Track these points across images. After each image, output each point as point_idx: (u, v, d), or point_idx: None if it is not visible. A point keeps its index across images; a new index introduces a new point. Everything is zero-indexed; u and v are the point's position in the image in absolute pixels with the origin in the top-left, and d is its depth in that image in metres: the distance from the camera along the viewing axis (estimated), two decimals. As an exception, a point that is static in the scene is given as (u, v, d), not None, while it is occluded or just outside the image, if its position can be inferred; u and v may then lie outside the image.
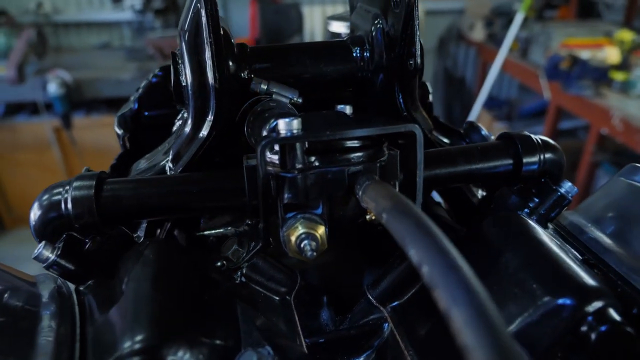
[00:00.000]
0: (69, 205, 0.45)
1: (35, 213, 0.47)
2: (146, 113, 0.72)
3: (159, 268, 0.42)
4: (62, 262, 0.45)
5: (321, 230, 0.42)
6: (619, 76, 2.81)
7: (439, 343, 0.43)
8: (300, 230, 0.42)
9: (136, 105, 0.71)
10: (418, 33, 0.52)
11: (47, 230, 0.47)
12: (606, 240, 0.48)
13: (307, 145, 0.42)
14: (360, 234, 0.60)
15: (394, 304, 0.49)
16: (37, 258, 0.45)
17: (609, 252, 0.46)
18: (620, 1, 3.80)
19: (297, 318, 0.49)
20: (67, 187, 0.46)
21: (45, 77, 3.11)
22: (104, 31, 4.28)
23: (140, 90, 0.71)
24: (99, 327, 0.39)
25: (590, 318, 0.36)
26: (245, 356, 0.37)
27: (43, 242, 0.45)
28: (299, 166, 0.41)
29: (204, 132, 0.52)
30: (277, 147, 0.42)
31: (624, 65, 2.89)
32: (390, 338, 0.48)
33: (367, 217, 0.45)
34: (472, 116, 3.67)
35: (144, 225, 0.56)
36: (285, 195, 0.42)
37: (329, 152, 0.42)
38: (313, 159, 0.42)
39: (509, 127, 3.71)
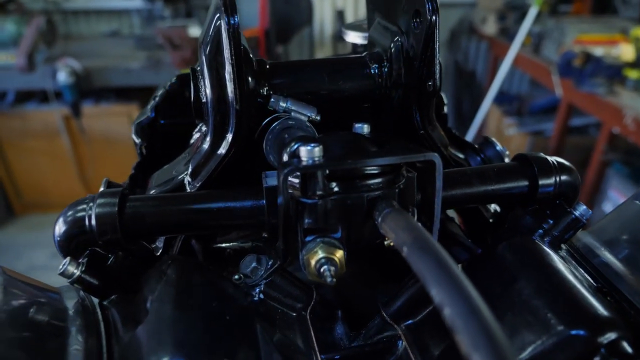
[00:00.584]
0: (93, 222, 0.47)
1: (60, 228, 0.48)
2: (162, 121, 0.73)
3: (180, 288, 0.43)
4: (87, 277, 0.47)
5: (340, 254, 0.43)
6: (633, 74, 2.77)
7: (452, 365, 0.44)
8: (320, 254, 0.43)
9: (153, 114, 0.72)
10: (438, 55, 0.52)
11: (71, 246, 0.48)
12: (619, 265, 0.48)
13: (327, 172, 0.43)
14: (374, 251, 0.61)
15: (408, 322, 0.50)
16: (63, 274, 0.46)
17: (621, 279, 0.47)
18: (637, -4, 3.73)
19: (312, 334, 0.50)
20: (91, 204, 0.47)
21: (55, 65, 3.12)
22: (113, 19, 4.28)
23: (156, 99, 0.72)
24: (125, 345, 0.41)
25: (603, 350, 0.37)
26: (265, 379, 0.38)
27: (68, 259, 0.46)
28: (319, 192, 0.42)
29: (223, 150, 0.53)
30: (297, 172, 0.43)
31: (638, 63, 2.85)
32: (404, 356, 0.49)
33: (386, 242, 0.46)
34: (482, 111, 3.64)
35: (160, 241, 0.58)
36: (306, 220, 0.43)
37: (348, 178, 0.43)
38: (333, 184, 0.43)
39: (518, 122, 3.68)
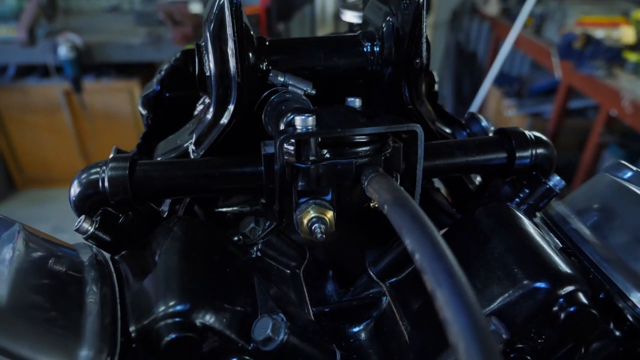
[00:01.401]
0: (106, 184, 0.51)
1: (74, 189, 0.53)
2: (167, 94, 0.77)
3: (186, 243, 0.48)
4: (100, 233, 0.51)
5: (330, 214, 0.48)
6: (632, 57, 2.78)
7: (429, 316, 0.49)
8: (312, 214, 0.47)
9: (158, 87, 0.75)
10: (425, 34, 0.55)
11: (85, 206, 0.53)
12: (586, 231, 0.53)
13: (319, 140, 0.47)
14: (363, 216, 0.66)
15: (392, 280, 0.55)
16: (79, 230, 0.51)
17: (586, 242, 0.51)
18: (641, -22, 3.69)
19: (305, 289, 0.55)
20: (104, 168, 0.52)
21: (55, 40, 3.12)
22: (114, -7, 4.25)
23: (162, 73, 0.76)
24: (136, 293, 0.45)
25: (561, 300, 0.42)
26: (262, 322, 0.43)
27: (83, 216, 0.51)
28: (312, 158, 0.46)
29: (225, 120, 0.57)
30: (292, 140, 0.47)
31: (638, 46, 2.86)
32: (387, 310, 0.54)
33: (372, 204, 0.50)
34: (482, 92, 3.65)
35: (168, 201, 0.62)
36: (299, 183, 0.47)
37: (339, 145, 0.47)
38: (325, 151, 0.47)
39: (518, 104, 3.70)
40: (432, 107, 0.71)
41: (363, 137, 0.48)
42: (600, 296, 0.46)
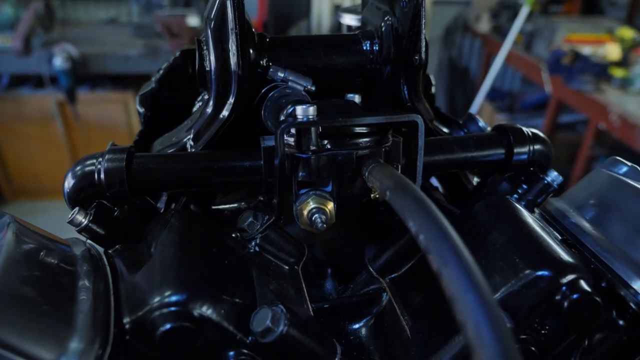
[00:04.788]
0: (102, 175, 0.50)
1: (69, 182, 0.52)
2: (165, 93, 0.76)
3: (183, 234, 0.47)
4: (93, 226, 0.50)
5: (330, 205, 0.48)
6: (618, 73, 2.84)
7: (430, 310, 0.49)
8: (312, 205, 0.47)
9: (157, 85, 0.75)
10: (424, 31, 0.56)
11: (79, 198, 0.52)
12: (585, 224, 0.53)
13: (320, 130, 0.47)
14: (362, 214, 0.65)
15: (392, 275, 0.55)
16: (72, 222, 0.50)
17: (586, 234, 0.51)
18: (626, -2, 3.80)
19: (304, 286, 0.54)
20: (100, 159, 0.51)
21: (51, 50, 3.12)
22: (111, 6, 4.27)
23: (161, 71, 0.76)
24: (131, 285, 0.44)
25: (564, 288, 0.42)
26: (261, 313, 0.42)
27: (77, 208, 0.50)
28: (312, 148, 0.46)
29: (225, 113, 0.57)
30: (293, 131, 0.47)
31: (623, 62, 2.92)
32: (387, 306, 0.54)
33: (372, 195, 0.50)
34: (475, 107, 3.70)
35: (164, 198, 0.62)
36: (300, 174, 0.47)
37: (339, 136, 0.47)
38: (325, 142, 0.47)
39: (510, 119, 3.75)
40: (430, 108, 0.72)
41: (363, 128, 0.48)
42: (602, 285, 0.46)
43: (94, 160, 0.51)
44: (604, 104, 2.65)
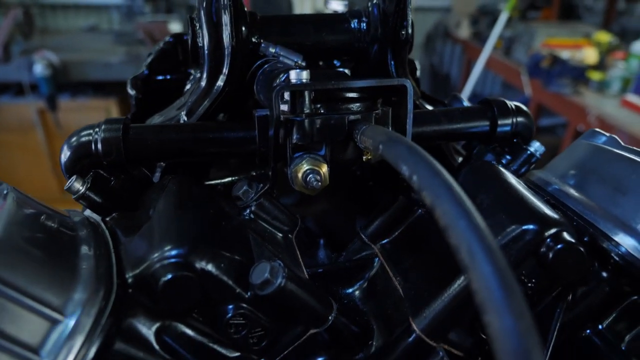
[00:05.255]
0: (99, 145, 0.51)
1: (65, 153, 0.53)
2: (156, 77, 0.77)
3: (181, 196, 0.48)
4: (91, 194, 0.51)
5: (324, 168, 0.49)
6: (595, 76, 2.94)
7: (422, 269, 0.50)
8: (306, 167, 0.48)
9: (147, 71, 0.76)
10: (409, 7, 0.58)
11: (76, 168, 0.52)
12: (568, 189, 0.56)
13: (313, 95, 0.48)
14: (353, 188, 0.67)
15: (383, 241, 0.56)
16: (69, 190, 0.50)
17: (569, 197, 0.54)
18: (600, 5, 3.94)
19: (298, 253, 0.55)
20: (97, 129, 0.52)
21: (31, 57, 3.09)
22: (91, 14, 4.25)
23: (151, 56, 0.77)
24: (130, 246, 0.45)
25: (548, 240, 0.44)
26: (260, 266, 0.43)
27: (74, 176, 0.51)
28: (306, 111, 0.48)
29: (219, 84, 0.58)
30: (287, 97, 0.49)
31: (600, 66, 3.03)
32: (380, 270, 0.55)
33: (364, 158, 0.52)
34: (456, 111, 3.77)
35: (158, 174, 0.62)
36: (294, 137, 0.48)
37: (332, 101, 0.49)
38: (319, 106, 0.49)
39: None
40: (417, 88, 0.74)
41: (354, 93, 0.50)
42: (585, 239, 0.48)
43: (90, 131, 0.52)
44: (583, 106, 2.73)
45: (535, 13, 4.06)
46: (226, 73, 0.57)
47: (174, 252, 0.41)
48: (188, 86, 0.71)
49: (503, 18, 3.54)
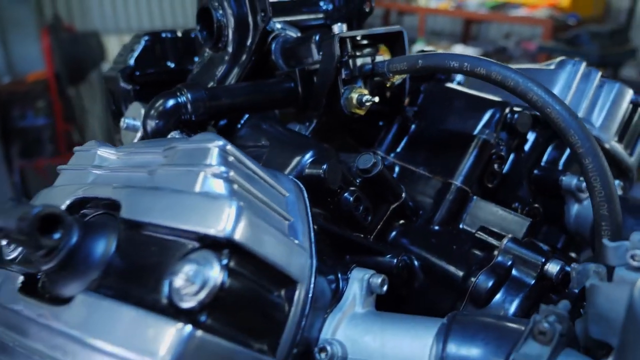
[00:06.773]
0: (189, 106, 0.60)
1: (153, 121, 0.59)
2: (137, 73, 0.82)
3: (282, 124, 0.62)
4: None
5: (367, 92, 0.68)
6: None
7: (438, 152, 0.73)
8: (356, 93, 0.66)
9: (134, 64, 0.81)
10: (369, -14, 0.82)
11: (164, 130, 0.60)
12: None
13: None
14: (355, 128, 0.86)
15: (395, 152, 0.77)
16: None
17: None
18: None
19: None
20: (180, 94, 0.60)
21: None
22: None
23: (135, 51, 0.81)
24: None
25: (507, 113, 0.71)
26: (363, 157, 0.59)
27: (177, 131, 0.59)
28: (350, 53, 0.66)
29: (245, 57, 0.71)
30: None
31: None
32: (402, 172, 0.76)
33: (389, 83, 0.71)
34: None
35: None
36: (344, 72, 0.66)
37: (358, 47, 0.69)
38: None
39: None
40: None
41: (366, 40, 0.70)
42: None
43: (175, 96, 0.60)
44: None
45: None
46: (251, 42, 0.71)
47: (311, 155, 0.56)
48: (196, 69, 0.79)
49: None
